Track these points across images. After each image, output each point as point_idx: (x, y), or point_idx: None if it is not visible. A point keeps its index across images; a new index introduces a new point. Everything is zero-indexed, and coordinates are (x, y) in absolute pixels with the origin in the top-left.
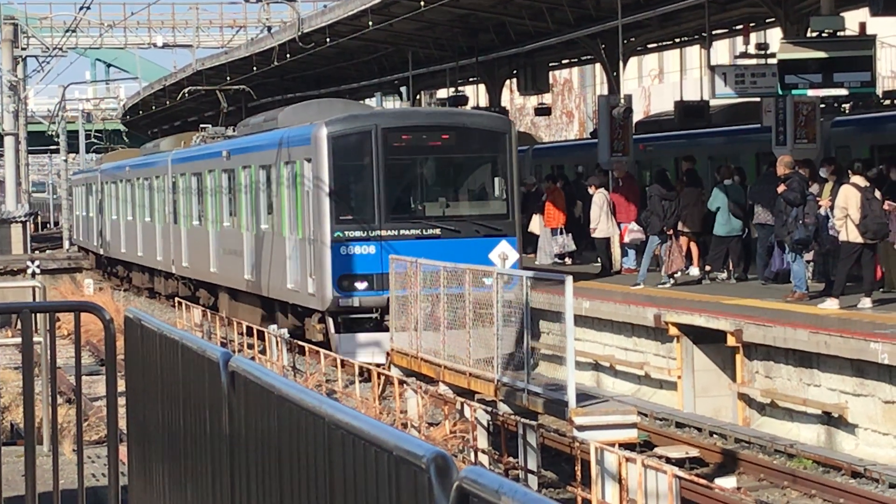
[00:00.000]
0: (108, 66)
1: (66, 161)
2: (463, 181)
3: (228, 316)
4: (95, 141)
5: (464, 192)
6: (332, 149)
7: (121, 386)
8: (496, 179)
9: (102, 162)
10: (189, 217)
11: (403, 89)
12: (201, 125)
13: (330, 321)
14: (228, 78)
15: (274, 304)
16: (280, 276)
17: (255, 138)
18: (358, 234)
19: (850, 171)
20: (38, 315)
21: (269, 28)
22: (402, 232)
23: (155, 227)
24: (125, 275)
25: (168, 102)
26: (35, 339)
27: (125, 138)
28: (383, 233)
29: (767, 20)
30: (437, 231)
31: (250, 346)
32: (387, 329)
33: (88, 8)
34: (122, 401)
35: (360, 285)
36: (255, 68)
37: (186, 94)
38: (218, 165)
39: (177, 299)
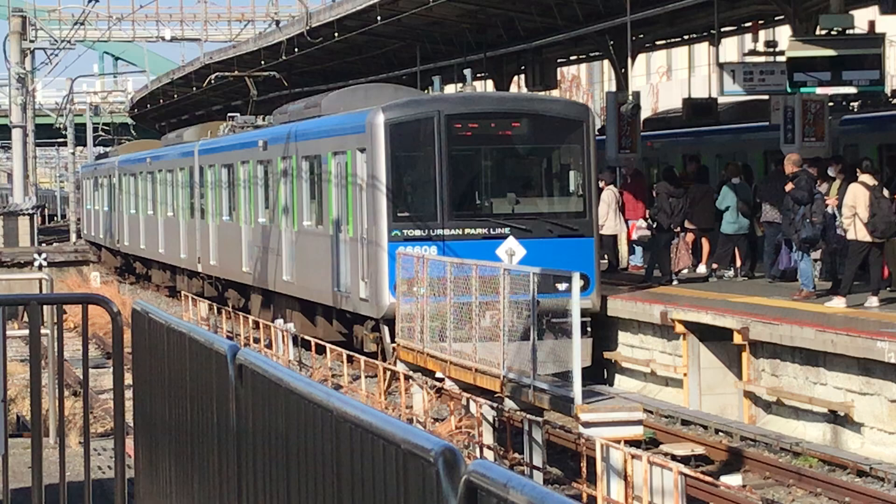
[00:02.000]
0: (116, 59)
1: (73, 154)
2: (535, 175)
3: (262, 320)
4: (103, 134)
5: (536, 188)
6: (390, 137)
7: (128, 379)
8: (572, 173)
9: (118, 153)
10: (218, 212)
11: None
12: (229, 114)
13: (385, 329)
14: (236, 72)
15: (316, 309)
16: (325, 278)
17: (296, 126)
18: (417, 233)
19: (858, 170)
20: (45, 307)
21: (278, 22)
22: (466, 231)
23: (179, 223)
24: (143, 272)
25: (176, 95)
26: (42, 331)
27: (133, 131)
28: (446, 232)
29: (776, 18)
30: (506, 230)
31: (256, 341)
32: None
33: (97, 1)
34: (128, 393)
35: (421, 290)
36: (262, 62)
37: (213, 81)
38: (252, 156)
39: (183, 293)
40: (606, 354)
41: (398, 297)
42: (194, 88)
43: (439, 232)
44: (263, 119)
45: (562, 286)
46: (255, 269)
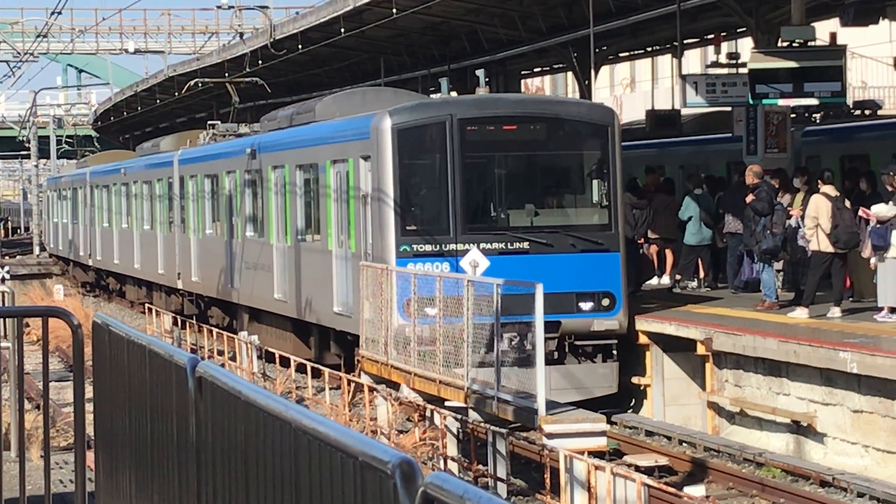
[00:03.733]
0: (80, 71)
1: (36, 166)
2: (556, 184)
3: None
4: (66, 146)
5: (557, 198)
6: (398, 144)
7: (89, 392)
8: (596, 182)
9: (88, 164)
10: (201, 225)
11: None
12: (209, 122)
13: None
14: (200, 85)
15: (311, 329)
16: (323, 297)
17: (289, 133)
18: (428, 248)
19: (820, 181)
20: (6, 320)
21: (242, 34)
22: (482, 246)
23: (156, 236)
24: (117, 288)
25: (140, 108)
26: (3, 344)
27: (96, 144)
28: (459, 247)
29: (739, 30)
30: (525, 245)
31: (220, 353)
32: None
33: (60, 13)
34: (90, 407)
35: (431, 311)
36: (227, 74)
37: (192, 87)
38: (239, 165)
39: (147, 305)
40: None
41: (362, 307)
42: (158, 101)
43: (452, 247)
44: (246, 127)
45: (586, 305)
46: (243, 287)
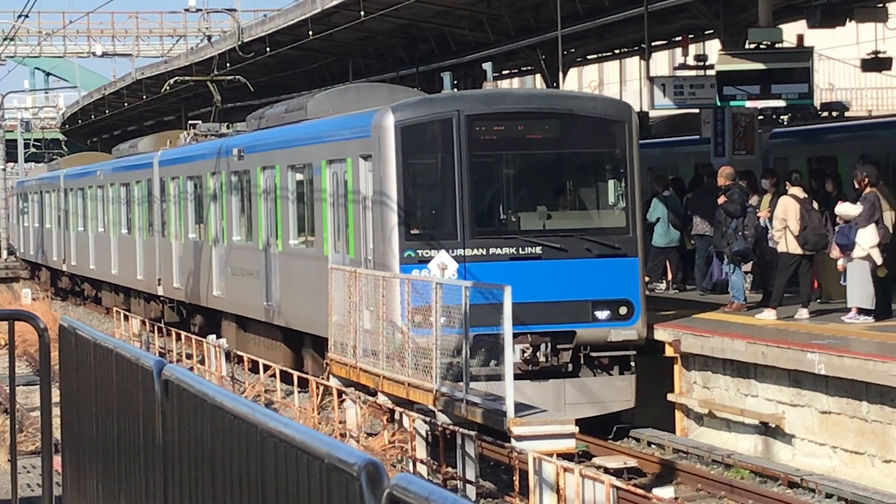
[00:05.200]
0: (47, 74)
1: (3, 170)
2: (569, 185)
3: (235, 350)
4: (34, 150)
5: (571, 200)
6: (402, 142)
7: (56, 396)
8: (612, 182)
9: (61, 167)
10: (183, 229)
11: None
12: (190, 121)
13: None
14: (168, 88)
15: (304, 339)
16: (319, 305)
17: (279, 132)
18: (434, 254)
19: (788, 183)
20: None
21: (210, 37)
22: (491, 251)
23: (135, 241)
24: (93, 294)
25: (108, 111)
26: None
27: (64, 147)
28: (468, 252)
29: (706, 32)
30: (537, 250)
31: (189, 357)
32: (473, 377)
33: (27, 16)
34: (57, 411)
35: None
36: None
37: (169, 86)
38: (225, 166)
39: (115, 308)
40: None
41: (330, 315)
42: (126, 104)
43: (459, 252)
44: (228, 127)
45: (602, 314)
46: (228, 294)
